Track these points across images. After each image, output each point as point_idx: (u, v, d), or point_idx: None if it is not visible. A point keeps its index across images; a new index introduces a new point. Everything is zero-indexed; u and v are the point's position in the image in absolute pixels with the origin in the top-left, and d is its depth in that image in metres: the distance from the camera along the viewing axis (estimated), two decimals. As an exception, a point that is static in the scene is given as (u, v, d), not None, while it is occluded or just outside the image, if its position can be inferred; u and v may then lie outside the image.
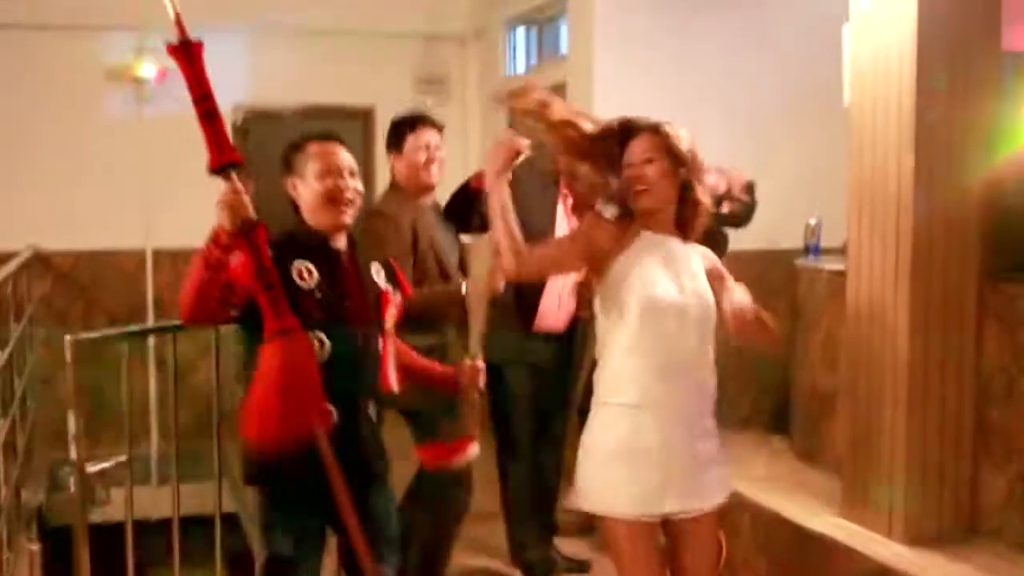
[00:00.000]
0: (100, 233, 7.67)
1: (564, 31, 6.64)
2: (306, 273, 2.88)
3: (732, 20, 6.08)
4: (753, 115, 6.05)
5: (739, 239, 4.73)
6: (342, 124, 7.78)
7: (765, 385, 5.68)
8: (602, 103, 5.78)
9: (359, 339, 3.00)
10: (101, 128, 7.58)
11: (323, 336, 2.84)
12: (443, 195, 4.41)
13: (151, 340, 7.36)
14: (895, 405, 3.79)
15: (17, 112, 7.48)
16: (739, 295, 2.95)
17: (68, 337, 3.10)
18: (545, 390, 4.54)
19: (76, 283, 7.79)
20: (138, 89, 7.51)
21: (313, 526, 3.01)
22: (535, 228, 4.37)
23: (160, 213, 7.57)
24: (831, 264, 4.65)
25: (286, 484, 2.94)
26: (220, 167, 2.67)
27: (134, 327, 4.49)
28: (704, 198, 3.03)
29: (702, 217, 3.03)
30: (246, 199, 2.66)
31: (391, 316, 3.08)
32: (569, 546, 4.93)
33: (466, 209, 4.40)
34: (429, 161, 4.02)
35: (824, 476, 4.62)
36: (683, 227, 3.03)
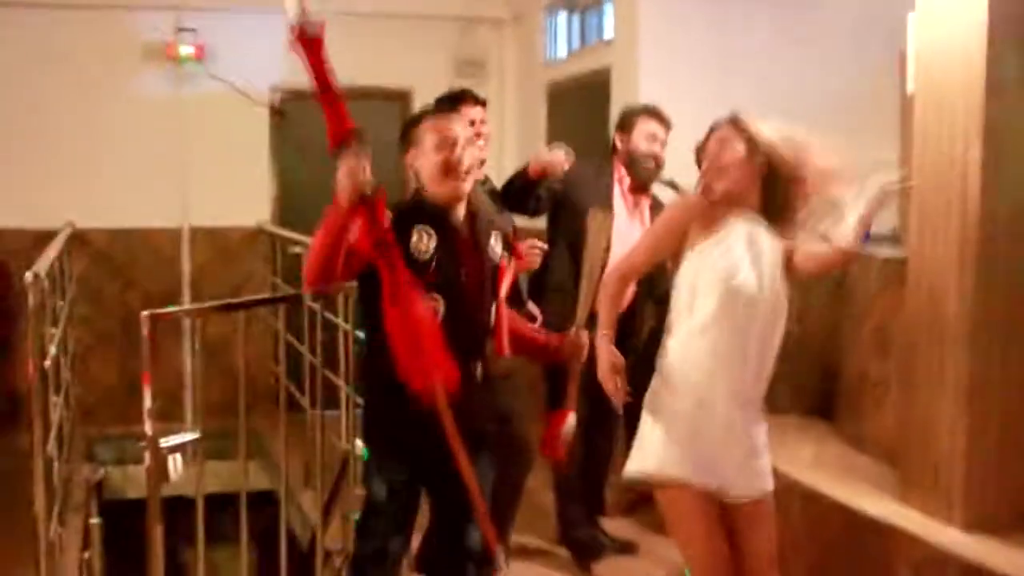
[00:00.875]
0: (137, 211, 7.72)
1: (607, 15, 6.65)
2: (426, 237, 3.05)
3: (776, 10, 6.11)
4: (793, 106, 6.05)
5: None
6: (380, 106, 7.84)
7: (806, 370, 5.71)
8: (646, 89, 5.82)
9: (471, 305, 3.15)
10: (138, 106, 7.63)
11: (438, 297, 3.01)
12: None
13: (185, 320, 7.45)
14: (956, 393, 3.82)
15: (54, 90, 7.53)
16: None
17: (144, 313, 3.15)
18: None
19: (112, 262, 7.85)
20: (176, 68, 7.53)
21: (406, 481, 3.20)
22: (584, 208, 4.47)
23: (197, 192, 7.62)
24: (884, 251, 4.66)
25: (388, 439, 3.19)
26: (340, 142, 2.84)
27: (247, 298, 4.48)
28: (804, 188, 3.06)
29: (792, 210, 3.06)
30: (366, 168, 2.80)
31: (506, 285, 3.23)
32: (615, 527, 5.00)
33: (523, 194, 4.47)
34: (476, 136, 4.05)
35: (872, 462, 4.67)
36: (771, 217, 3.08)
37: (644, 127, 4.60)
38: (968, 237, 3.77)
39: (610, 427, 4.75)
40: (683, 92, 5.40)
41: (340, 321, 4.48)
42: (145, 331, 3.12)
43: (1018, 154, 3.76)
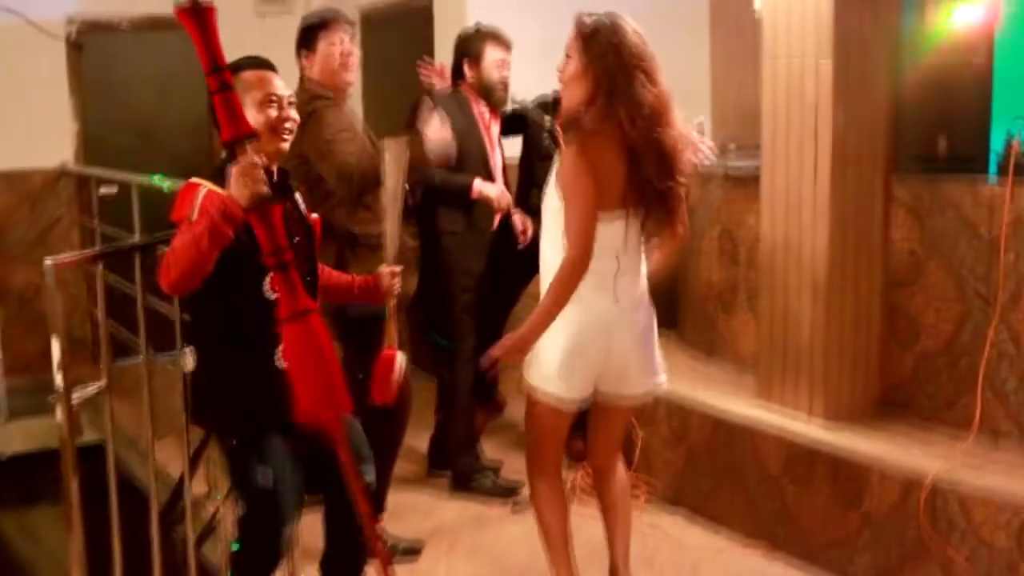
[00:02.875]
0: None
1: (422, -62, 6.54)
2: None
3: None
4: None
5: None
6: (182, 35, 7.45)
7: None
8: (473, 13, 5.76)
9: (309, 272, 3.01)
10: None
11: None
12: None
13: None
14: (814, 294, 4.05)
15: None
16: None
17: (49, 260, 2.94)
18: (486, 288, 4.66)
19: None
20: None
21: (288, 456, 3.03)
22: (472, 155, 4.47)
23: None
24: (726, 165, 4.83)
25: (258, 424, 2.98)
26: (235, 139, 2.60)
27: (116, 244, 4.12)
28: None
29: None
30: (262, 174, 2.61)
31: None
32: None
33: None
34: (344, 56, 3.97)
35: (724, 367, 4.90)
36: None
37: (493, 54, 4.59)
38: (822, 146, 3.97)
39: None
40: (509, 14, 5.36)
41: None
42: (51, 280, 2.92)
43: (863, 64, 3.98)
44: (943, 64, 3.98)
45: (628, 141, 3.06)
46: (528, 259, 4.98)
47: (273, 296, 2.79)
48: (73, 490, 3.02)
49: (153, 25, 7.29)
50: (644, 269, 3.34)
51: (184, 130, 7.58)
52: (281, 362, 2.81)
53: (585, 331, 3.21)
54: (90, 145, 7.27)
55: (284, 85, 3.01)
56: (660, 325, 5.13)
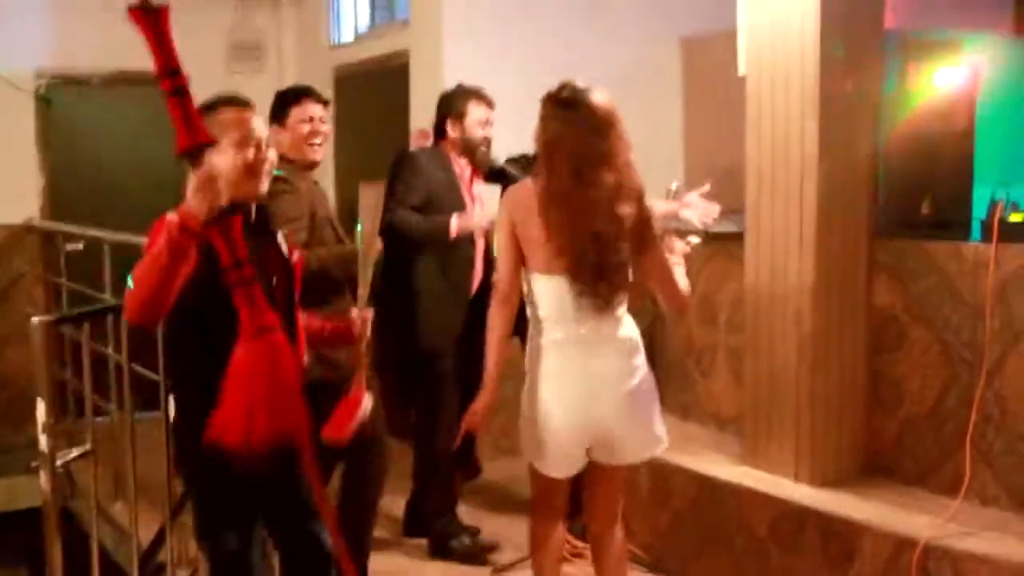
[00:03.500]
0: None
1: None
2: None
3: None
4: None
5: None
6: (153, 91, 7.40)
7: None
8: (452, 73, 5.79)
9: (287, 314, 2.93)
10: None
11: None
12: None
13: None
14: (800, 358, 4.05)
15: None
16: None
17: (35, 319, 2.86)
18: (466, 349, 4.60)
19: None
20: None
21: (254, 521, 2.97)
22: (448, 207, 4.44)
23: None
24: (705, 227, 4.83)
25: (233, 482, 2.84)
26: (192, 149, 2.49)
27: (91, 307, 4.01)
28: None
29: None
30: (221, 184, 2.50)
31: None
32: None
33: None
34: (313, 134, 3.95)
35: (703, 429, 4.88)
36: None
37: (476, 113, 4.59)
38: (807, 208, 3.99)
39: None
40: (487, 73, 5.38)
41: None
42: (39, 340, 2.84)
43: (847, 126, 4.01)
44: (925, 129, 4.02)
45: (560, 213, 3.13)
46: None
47: None
48: (56, 553, 2.93)
49: (123, 80, 7.26)
50: (630, 334, 3.31)
51: (154, 187, 7.47)
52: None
53: (554, 413, 3.24)
54: (56, 200, 7.18)
55: (263, 124, 2.94)
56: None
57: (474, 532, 4.77)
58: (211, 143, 2.55)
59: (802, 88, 3.97)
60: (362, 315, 3.25)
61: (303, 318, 3.09)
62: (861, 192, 4.09)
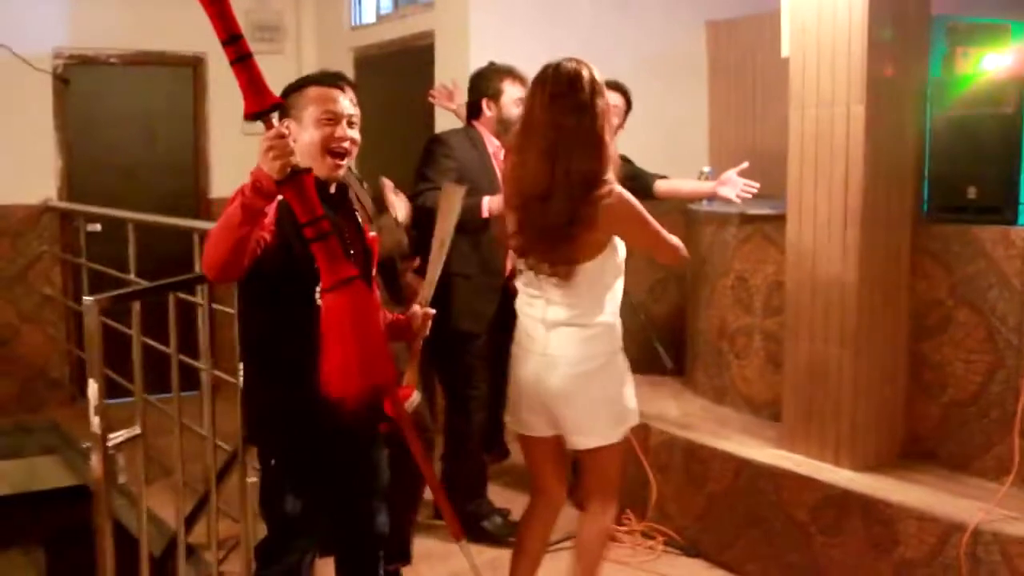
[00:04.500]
0: None
1: (426, -25, 6.51)
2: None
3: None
4: (615, 68, 6.17)
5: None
6: (171, 72, 7.39)
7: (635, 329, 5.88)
8: (477, 54, 5.75)
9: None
10: None
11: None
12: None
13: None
14: (842, 343, 4.03)
15: None
16: None
17: (88, 299, 2.82)
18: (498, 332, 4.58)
19: None
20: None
21: (323, 492, 3.01)
22: (482, 188, 4.40)
23: None
24: (740, 209, 4.80)
25: (305, 455, 2.93)
26: (261, 111, 2.48)
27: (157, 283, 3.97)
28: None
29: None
30: (292, 143, 2.52)
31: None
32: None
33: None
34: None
35: (737, 413, 4.87)
36: None
37: (512, 92, 4.55)
38: (852, 193, 3.97)
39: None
40: (514, 56, 5.34)
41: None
42: (92, 320, 2.80)
43: (894, 110, 4.00)
44: (971, 113, 3.99)
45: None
46: None
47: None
48: (106, 537, 2.89)
49: (141, 60, 7.21)
50: (597, 318, 3.25)
51: (169, 169, 7.48)
52: None
53: (516, 366, 3.33)
54: (73, 181, 7.11)
55: (351, 103, 2.94)
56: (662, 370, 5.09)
57: (505, 514, 4.76)
58: (279, 104, 2.55)
59: (848, 71, 3.94)
60: (425, 312, 3.24)
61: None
62: (906, 177, 4.07)
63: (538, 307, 3.25)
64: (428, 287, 3.35)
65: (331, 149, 2.88)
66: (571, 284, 3.15)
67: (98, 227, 6.68)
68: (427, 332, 3.28)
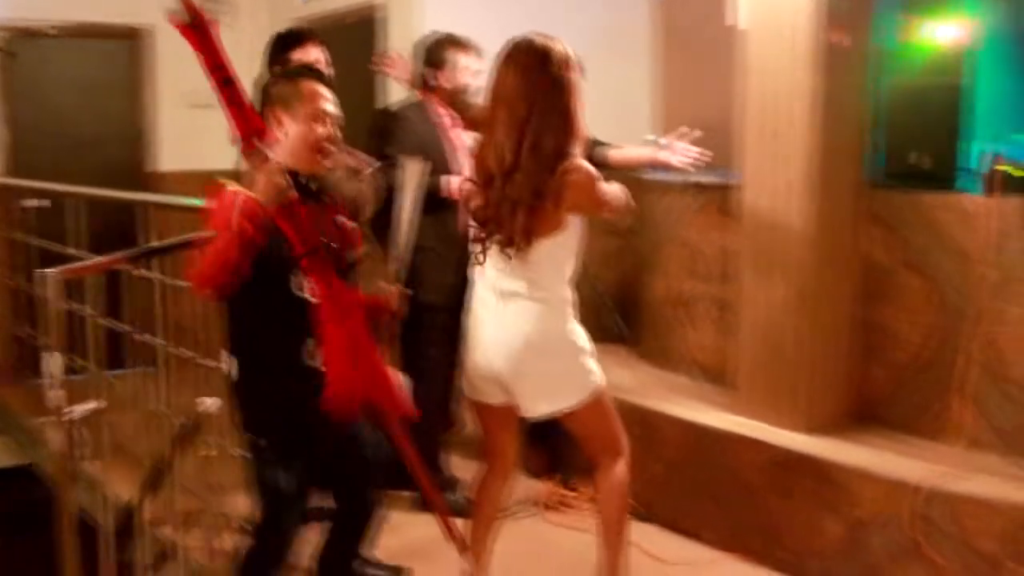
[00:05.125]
0: None
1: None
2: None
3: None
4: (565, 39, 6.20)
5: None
6: (112, 45, 7.29)
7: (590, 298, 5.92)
8: (430, 25, 5.71)
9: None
10: None
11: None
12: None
13: None
14: (796, 308, 4.10)
15: None
16: None
17: (50, 272, 2.80)
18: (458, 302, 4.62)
19: None
20: None
21: (311, 469, 3.09)
22: (438, 164, 4.40)
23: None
24: (693, 179, 4.84)
25: (295, 431, 3.00)
26: (255, 138, 2.63)
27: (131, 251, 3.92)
28: None
29: None
30: (285, 174, 2.62)
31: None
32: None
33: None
34: None
35: (689, 379, 4.93)
36: None
37: (460, 61, 4.54)
38: (802, 160, 4.03)
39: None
40: (467, 27, 5.32)
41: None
42: (50, 292, 2.78)
43: (844, 79, 4.06)
44: (918, 81, 4.07)
45: None
46: None
47: (302, 293, 2.81)
48: (69, 513, 2.88)
49: (81, 32, 7.10)
50: (552, 292, 3.28)
51: (114, 139, 7.38)
52: (312, 359, 2.86)
53: (469, 334, 3.38)
54: (17, 155, 7.00)
55: (335, 104, 3.02)
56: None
57: (458, 483, 4.79)
58: (265, 131, 2.66)
59: (800, 41, 3.99)
60: (397, 291, 3.30)
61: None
62: (856, 144, 4.15)
63: (493, 278, 3.27)
64: (393, 263, 3.36)
65: (320, 147, 2.96)
66: (528, 258, 3.17)
67: (47, 203, 6.57)
68: (404, 311, 3.34)
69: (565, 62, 3.12)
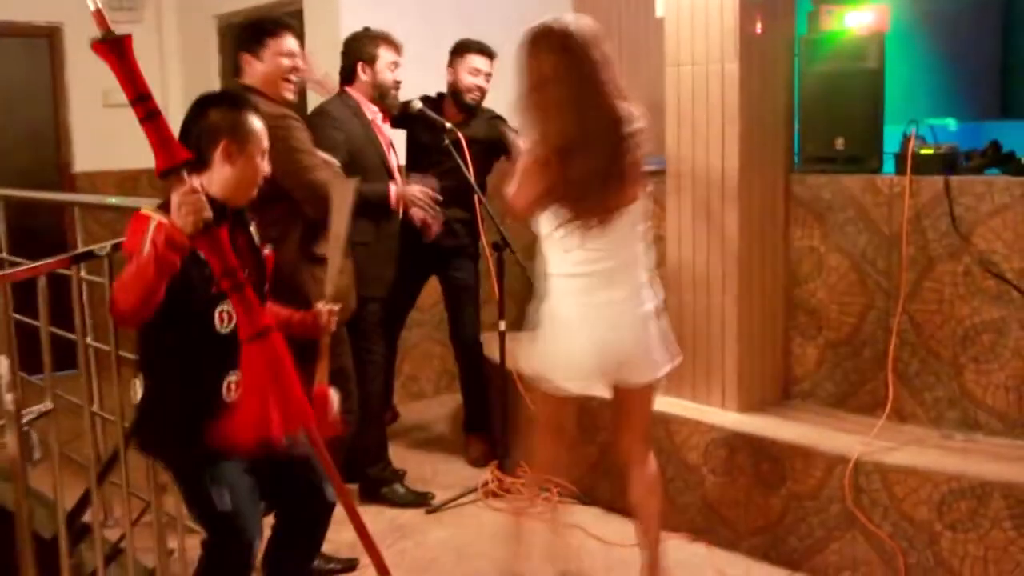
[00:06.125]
0: None
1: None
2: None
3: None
4: (486, 29, 6.23)
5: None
6: (24, 44, 7.14)
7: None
8: (348, 20, 5.73)
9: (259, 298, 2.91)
10: None
11: (230, 309, 2.83)
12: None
13: None
14: (725, 293, 4.22)
15: None
16: None
17: (-1, 274, 2.78)
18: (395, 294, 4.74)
19: None
20: None
21: (242, 476, 2.98)
22: (370, 158, 4.44)
23: None
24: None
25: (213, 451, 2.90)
26: (172, 167, 2.50)
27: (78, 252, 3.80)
28: None
29: None
30: (203, 198, 2.55)
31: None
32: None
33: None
34: (293, 70, 3.88)
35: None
36: None
37: (386, 56, 4.58)
38: (729, 147, 4.14)
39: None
40: (384, 22, 5.31)
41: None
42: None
43: (765, 67, 4.19)
44: (837, 67, 4.20)
45: None
46: (429, 257, 5.03)
47: (224, 330, 2.81)
48: (24, 518, 2.86)
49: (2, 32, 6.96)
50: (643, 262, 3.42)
51: (28, 142, 7.25)
52: (229, 395, 2.85)
53: (568, 330, 3.37)
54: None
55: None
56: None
57: (401, 475, 4.83)
58: (189, 160, 2.55)
59: (722, 30, 4.10)
60: (330, 309, 3.25)
61: (272, 309, 3.12)
62: (779, 130, 4.27)
63: (583, 259, 3.29)
64: (330, 283, 3.33)
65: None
66: (614, 231, 3.24)
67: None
68: (333, 328, 3.29)
69: (597, 37, 3.20)
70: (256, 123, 2.92)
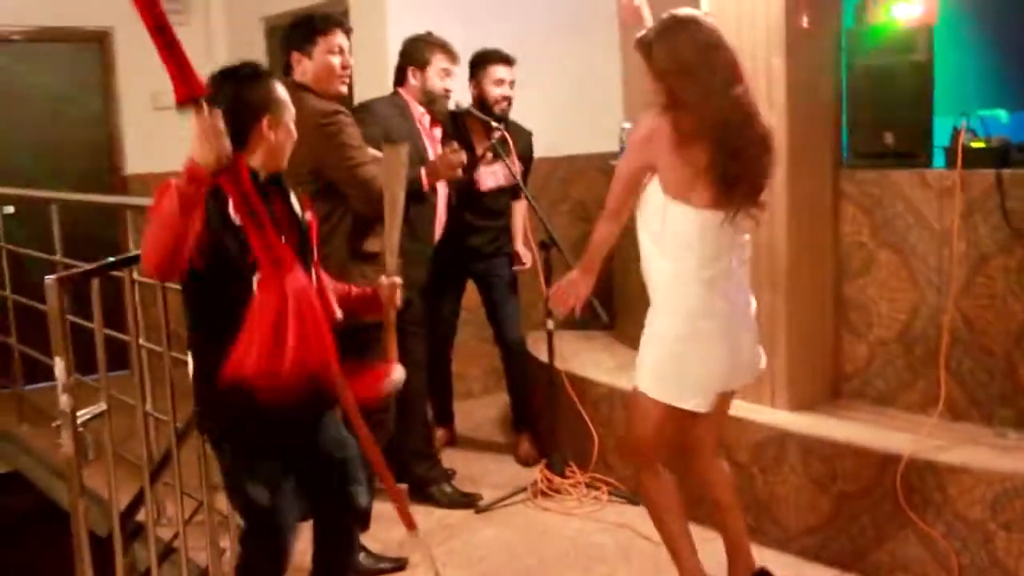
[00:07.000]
0: None
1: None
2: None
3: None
4: (533, 24, 6.22)
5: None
6: (74, 50, 7.25)
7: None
8: (395, 23, 5.76)
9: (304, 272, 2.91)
10: None
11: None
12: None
13: None
14: (773, 288, 4.17)
15: None
16: None
17: (51, 278, 2.81)
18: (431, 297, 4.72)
19: None
20: None
21: (283, 473, 2.99)
22: (413, 160, 4.43)
23: None
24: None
25: (256, 440, 2.91)
26: (190, 99, 2.46)
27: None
28: None
29: None
30: (223, 130, 2.52)
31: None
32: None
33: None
34: (343, 66, 3.90)
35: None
36: None
37: (439, 64, 4.57)
38: (777, 143, 4.05)
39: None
40: (431, 24, 5.33)
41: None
42: (53, 299, 2.79)
43: (812, 61, 4.15)
44: (885, 61, 4.14)
45: None
46: (465, 259, 5.02)
47: None
48: (80, 517, 2.91)
49: (45, 36, 7.06)
50: None
51: (81, 147, 7.35)
52: None
53: (715, 344, 3.37)
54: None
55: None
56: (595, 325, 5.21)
57: (451, 475, 4.84)
58: (206, 93, 2.52)
59: (767, 25, 4.06)
60: (392, 283, 3.24)
61: (328, 282, 3.10)
62: (826, 125, 4.23)
63: (724, 267, 3.28)
64: (390, 255, 3.32)
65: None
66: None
67: (11, 209, 6.55)
68: (399, 302, 3.28)
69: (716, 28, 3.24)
70: (281, 88, 2.91)
